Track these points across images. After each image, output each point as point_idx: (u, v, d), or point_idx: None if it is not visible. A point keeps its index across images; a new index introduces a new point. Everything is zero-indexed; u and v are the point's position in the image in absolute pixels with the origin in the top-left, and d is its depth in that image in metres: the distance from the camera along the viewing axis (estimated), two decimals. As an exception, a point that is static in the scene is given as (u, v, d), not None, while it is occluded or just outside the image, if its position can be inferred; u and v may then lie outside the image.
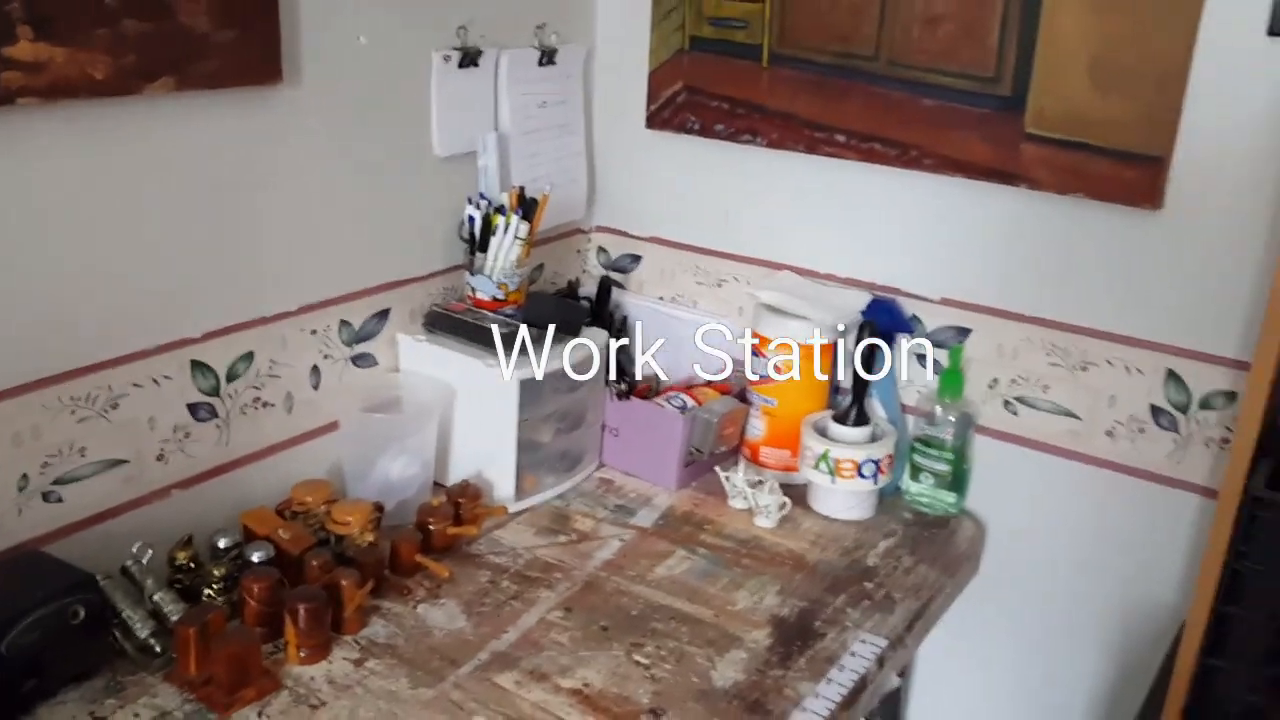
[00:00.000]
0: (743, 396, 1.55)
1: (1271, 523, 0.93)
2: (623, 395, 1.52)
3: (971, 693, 1.55)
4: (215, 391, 1.24)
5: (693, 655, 1.16)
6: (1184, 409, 1.30)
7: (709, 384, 1.58)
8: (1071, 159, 1.28)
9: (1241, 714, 0.99)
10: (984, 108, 1.32)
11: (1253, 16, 1.16)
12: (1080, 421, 1.38)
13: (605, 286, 1.64)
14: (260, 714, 1.03)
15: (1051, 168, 1.29)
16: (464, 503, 1.34)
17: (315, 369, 1.35)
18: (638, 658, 1.15)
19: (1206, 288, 1.25)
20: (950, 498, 1.47)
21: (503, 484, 1.40)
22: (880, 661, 1.18)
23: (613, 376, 1.53)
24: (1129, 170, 1.25)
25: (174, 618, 1.08)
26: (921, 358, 1.49)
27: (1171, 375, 1.30)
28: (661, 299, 1.69)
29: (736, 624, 1.22)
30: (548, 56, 1.56)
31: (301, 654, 1.09)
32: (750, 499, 1.44)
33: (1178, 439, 1.31)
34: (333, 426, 1.38)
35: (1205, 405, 1.29)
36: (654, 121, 1.63)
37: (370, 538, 1.24)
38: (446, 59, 1.41)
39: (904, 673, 1.50)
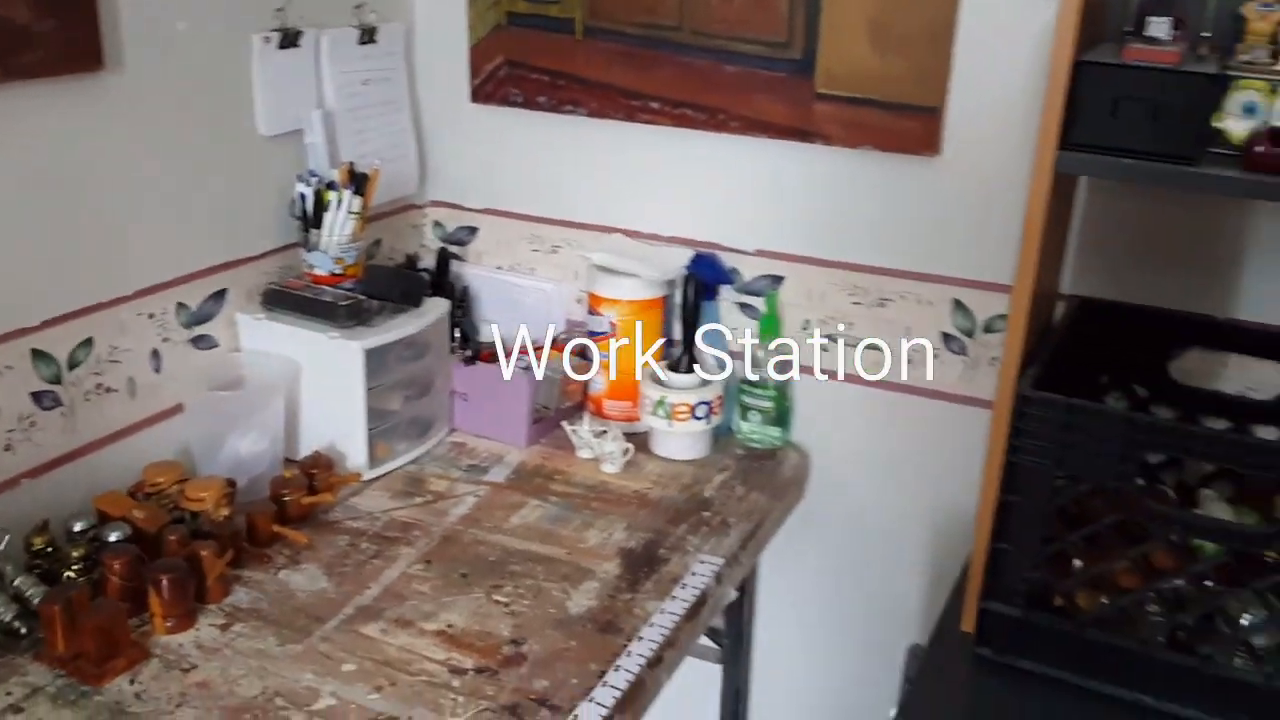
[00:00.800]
0: (583, 354, 1.64)
1: (1036, 418, 1.09)
2: (469, 361, 1.59)
3: (809, 599, 1.68)
4: (58, 379, 1.24)
5: (549, 590, 1.25)
6: (970, 334, 1.46)
7: (554, 345, 1.66)
8: (858, 114, 1.41)
9: (1027, 590, 1.15)
10: (779, 71, 1.44)
11: (1004, -22, 1.31)
12: (883, 353, 1.53)
13: (444, 258, 1.70)
14: (132, 682, 1.06)
15: (841, 124, 1.43)
16: (317, 473, 1.38)
17: (155, 352, 1.37)
18: (497, 598, 1.23)
19: (983, 223, 1.40)
20: (776, 432, 1.60)
21: (355, 453, 1.45)
22: (718, 578, 1.29)
23: (458, 343, 1.60)
24: (909, 122, 1.39)
25: (36, 600, 1.10)
26: (743, 306, 1.61)
27: (958, 304, 1.46)
28: (499, 268, 1.76)
29: (588, 559, 1.31)
30: (368, 35, 1.60)
31: (168, 624, 1.13)
32: (595, 448, 1.53)
33: (967, 361, 1.47)
34: (178, 409, 1.40)
35: (988, 329, 1.45)
36: (478, 95, 1.69)
37: (225, 512, 1.27)
38: (266, 40, 1.44)
39: (745, 588, 1.63)
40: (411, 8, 1.69)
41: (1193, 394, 1.32)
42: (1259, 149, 1.00)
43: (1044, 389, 1.09)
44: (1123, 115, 1.02)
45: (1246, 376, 1.32)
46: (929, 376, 1.51)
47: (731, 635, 1.66)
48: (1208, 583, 1.11)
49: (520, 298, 1.72)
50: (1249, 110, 1.05)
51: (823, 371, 1.58)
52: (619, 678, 1.10)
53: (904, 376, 1.53)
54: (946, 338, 1.48)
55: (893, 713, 1.16)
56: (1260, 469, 1.03)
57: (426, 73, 1.72)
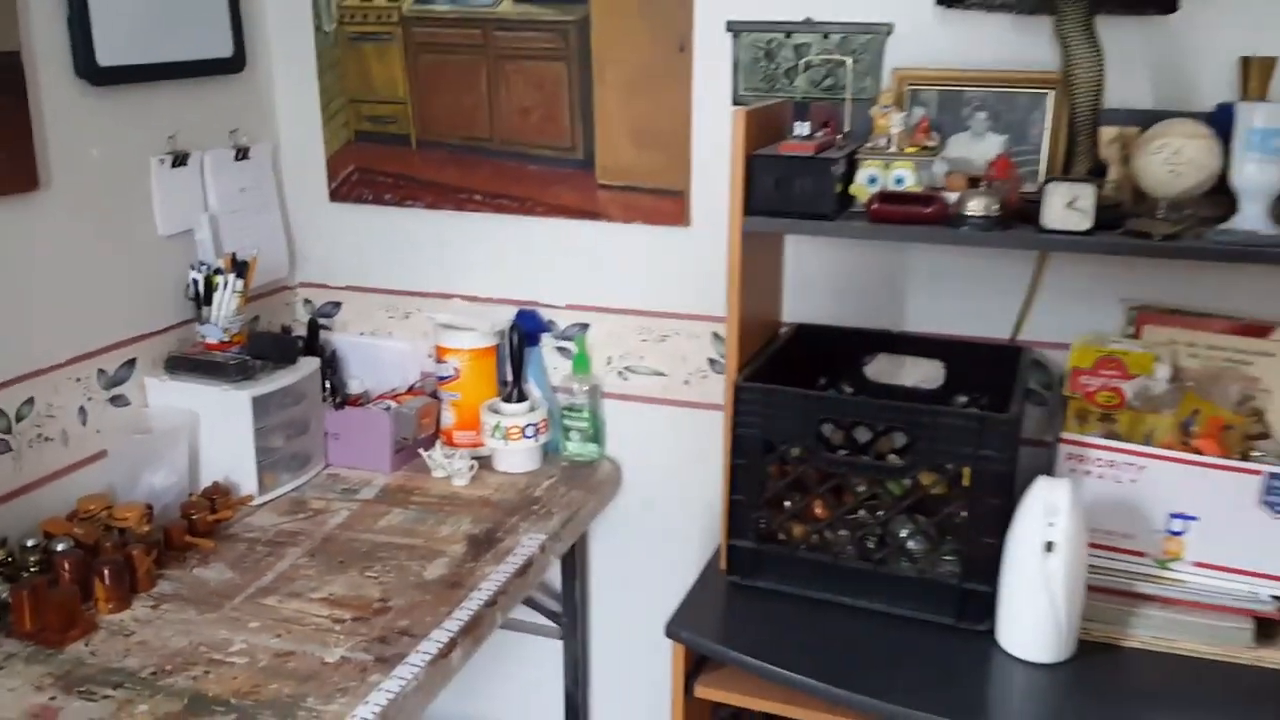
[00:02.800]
0: (434, 395, 2.04)
1: (748, 402, 1.53)
2: (339, 406, 1.97)
3: (631, 576, 2.08)
4: (8, 430, 1.58)
5: (409, 566, 1.62)
6: (715, 364, 1.92)
7: (410, 390, 2.06)
8: (629, 198, 1.88)
9: (757, 529, 1.58)
10: (568, 169, 1.90)
11: (721, 91, 1.80)
12: (667, 378, 1.98)
13: (313, 326, 2.08)
14: (86, 644, 1.40)
15: (618, 205, 1.89)
16: (217, 498, 1.74)
17: (82, 409, 1.71)
18: (369, 574, 1.60)
19: (719, 274, 1.87)
20: (593, 447, 2.02)
21: (247, 482, 1.81)
22: (542, 548, 1.69)
23: (328, 393, 1.98)
24: (666, 202, 1.87)
25: (1, 595, 1.43)
26: (560, 349, 2.04)
27: (715, 336, 1.91)
28: (361, 333, 2.16)
29: (441, 544, 1.69)
30: (242, 153, 2.00)
31: (110, 605, 1.47)
32: (447, 468, 1.93)
33: (725, 378, 1.93)
34: (103, 453, 1.74)
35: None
36: (335, 196, 2.10)
37: (147, 528, 1.61)
38: (162, 161, 1.82)
39: (576, 574, 2.03)
40: (277, 130, 2.10)
41: (883, 388, 1.80)
42: (875, 206, 1.49)
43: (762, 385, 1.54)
44: (781, 189, 1.49)
45: (918, 372, 1.80)
46: (701, 393, 1.96)
47: (568, 614, 2.05)
48: (880, 513, 1.57)
49: (380, 355, 2.11)
50: (872, 180, 1.55)
51: (625, 396, 2.02)
52: (463, 613, 1.49)
53: (683, 394, 1.97)
54: (711, 361, 1.94)
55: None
56: (883, 419, 1.50)
57: (292, 180, 2.12)
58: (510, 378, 1.99)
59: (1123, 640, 1.46)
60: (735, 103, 1.80)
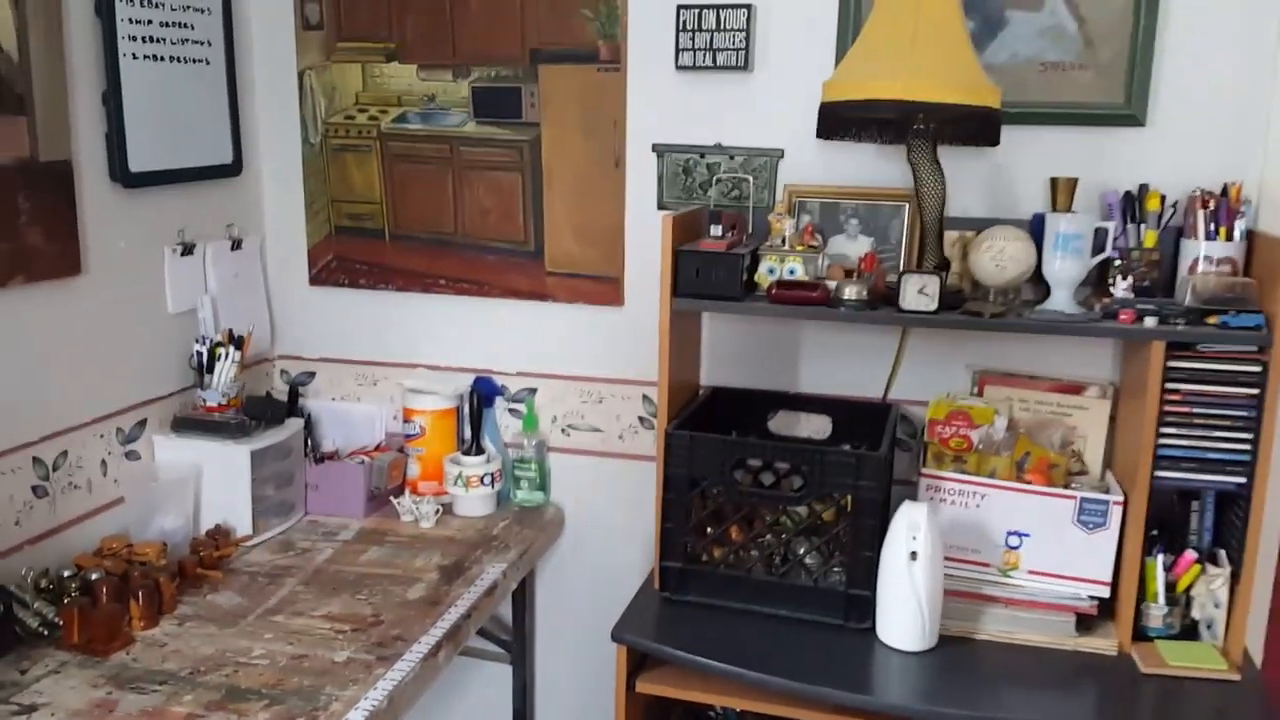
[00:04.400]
0: (401, 450, 2.35)
1: (676, 447, 1.90)
2: (319, 460, 2.27)
3: (575, 606, 2.40)
4: (46, 478, 1.85)
5: (393, 590, 1.93)
6: (654, 416, 2.29)
7: (378, 447, 2.37)
8: (573, 283, 2.26)
9: (685, 552, 1.93)
10: (521, 259, 2.27)
11: (649, 198, 2.20)
12: (604, 433, 2.33)
13: (293, 393, 2.38)
14: (128, 653, 1.67)
15: (564, 289, 2.27)
16: (219, 538, 2.02)
17: (103, 461, 1.99)
18: (359, 597, 1.90)
19: (646, 345, 2.24)
20: (540, 495, 2.36)
21: (243, 525, 2.09)
22: (504, 574, 2.01)
23: (309, 449, 2.28)
24: (604, 286, 2.24)
25: (50, 615, 1.69)
26: (511, 410, 2.38)
27: (645, 398, 2.28)
28: (334, 398, 2.46)
29: (417, 573, 2.00)
30: (236, 244, 2.32)
31: (142, 623, 1.74)
32: (415, 513, 2.24)
33: (654, 433, 2.29)
34: (120, 500, 2.01)
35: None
36: (315, 281, 2.43)
37: (163, 562, 1.89)
38: (174, 250, 2.14)
39: (524, 606, 2.34)
40: (264, 225, 2.42)
41: (783, 438, 2.18)
42: (773, 291, 1.89)
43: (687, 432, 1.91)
44: (701, 276, 1.88)
45: (811, 425, 2.19)
46: (633, 446, 2.31)
47: (518, 641, 2.36)
48: (783, 535, 1.94)
49: (352, 417, 2.42)
50: (771, 271, 1.95)
51: (568, 450, 2.36)
52: (445, 622, 1.80)
53: (618, 448, 2.33)
54: (641, 419, 2.30)
55: (614, 638, 1.89)
56: (784, 459, 1.88)
57: (277, 267, 2.44)
58: (469, 434, 2.32)
59: (974, 633, 1.84)
60: (660, 208, 2.19)
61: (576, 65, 2.16)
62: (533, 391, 2.35)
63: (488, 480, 2.26)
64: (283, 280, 2.45)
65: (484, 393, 2.33)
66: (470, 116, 2.24)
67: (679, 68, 2.08)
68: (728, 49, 2.03)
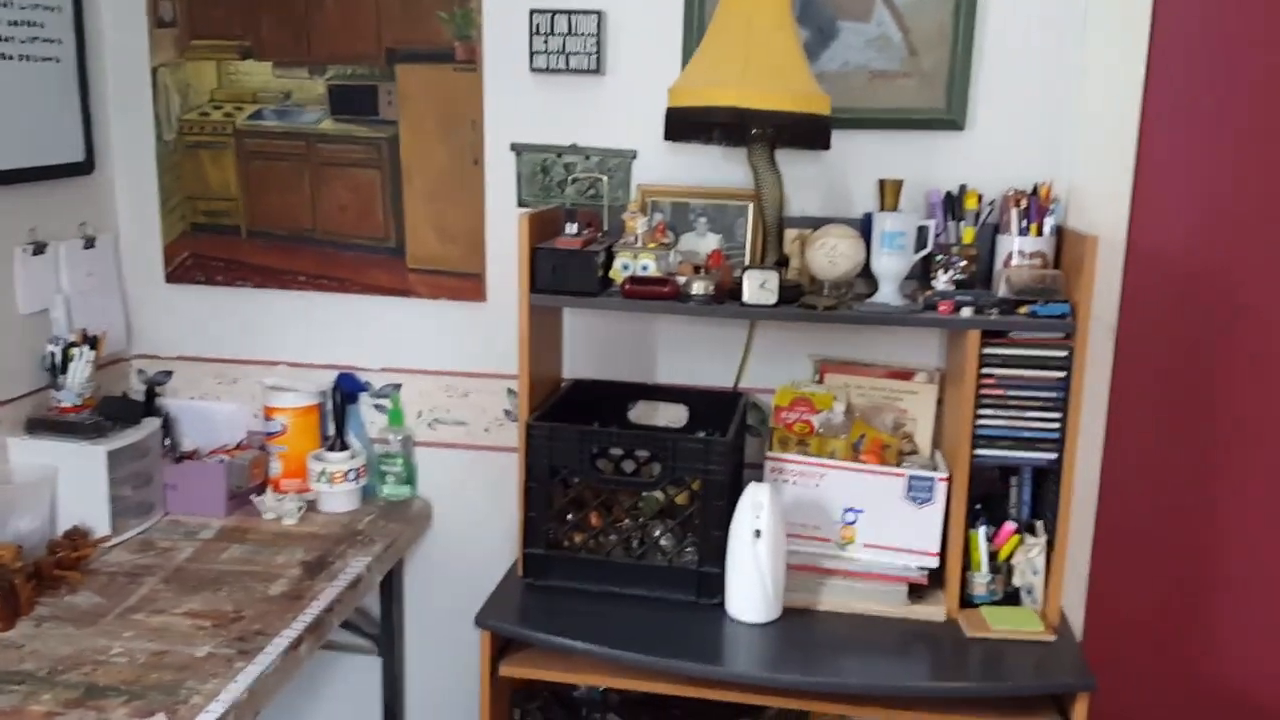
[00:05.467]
0: (263, 449, 2.36)
1: (536, 436, 1.97)
2: (177, 460, 2.27)
3: (445, 596, 2.45)
4: (-110, 483, 1.81)
5: (255, 586, 1.95)
6: (509, 414, 2.35)
7: (239, 446, 2.37)
8: (436, 280, 2.30)
9: (547, 538, 2.01)
10: (383, 255, 2.31)
11: (508, 196, 2.26)
12: (469, 427, 2.39)
13: (150, 392, 2.36)
14: (-19, 657, 1.65)
15: (426, 285, 2.31)
16: (77, 539, 2.00)
17: (-49, 466, 1.95)
18: (220, 593, 1.91)
19: (512, 338, 2.31)
20: (406, 489, 2.40)
21: (101, 525, 2.07)
22: (368, 568, 2.05)
23: (168, 449, 2.27)
24: (466, 282, 2.30)
25: (-103, 622, 1.66)
26: (377, 406, 2.41)
27: (509, 391, 2.35)
28: (192, 398, 2.45)
29: (279, 569, 2.02)
30: (89, 243, 2.29)
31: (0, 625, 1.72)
32: (277, 510, 2.25)
33: (518, 426, 2.36)
34: (-30, 505, 1.97)
35: (528, 404, 2.35)
36: (171, 279, 2.41)
37: (19, 564, 1.87)
38: (24, 251, 2.10)
39: (392, 598, 2.38)
40: (118, 223, 2.39)
41: (642, 427, 2.28)
42: (627, 286, 1.98)
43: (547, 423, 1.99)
44: (558, 273, 1.96)
45: (668, 415, 2.29)
46: (497, 439, 2.38)
47: (386, 634, 2.40)
48: (640, 519, 2.03)
49: (213, 416, 2.41)
50: (625, 267, 2.03)
51: (435, 444, 2.41)
52: (306, 616, 1.83)
53: (484, 440, 2.39)
54: (506, 412, 2.37)
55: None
56: (638, 446, 1.97)
57: (132, 265, 2.42)
58: (333, 431, 2.35)
59: (815, 604, 1.97)
60: (520, 205, 2.26)
61: (433, 65, 2.20)
62: (398, 387, 2.39)
63: (352, 476, 2.29)
64: (138, 279, 2.43)
65: (347, 389, 2.36)
66: (327, 114, 2.26)
67: (534, 69, 2.15)
68: (580, 53, 2.11)
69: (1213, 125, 2.06)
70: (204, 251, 2.39)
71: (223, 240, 2.37)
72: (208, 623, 1.80)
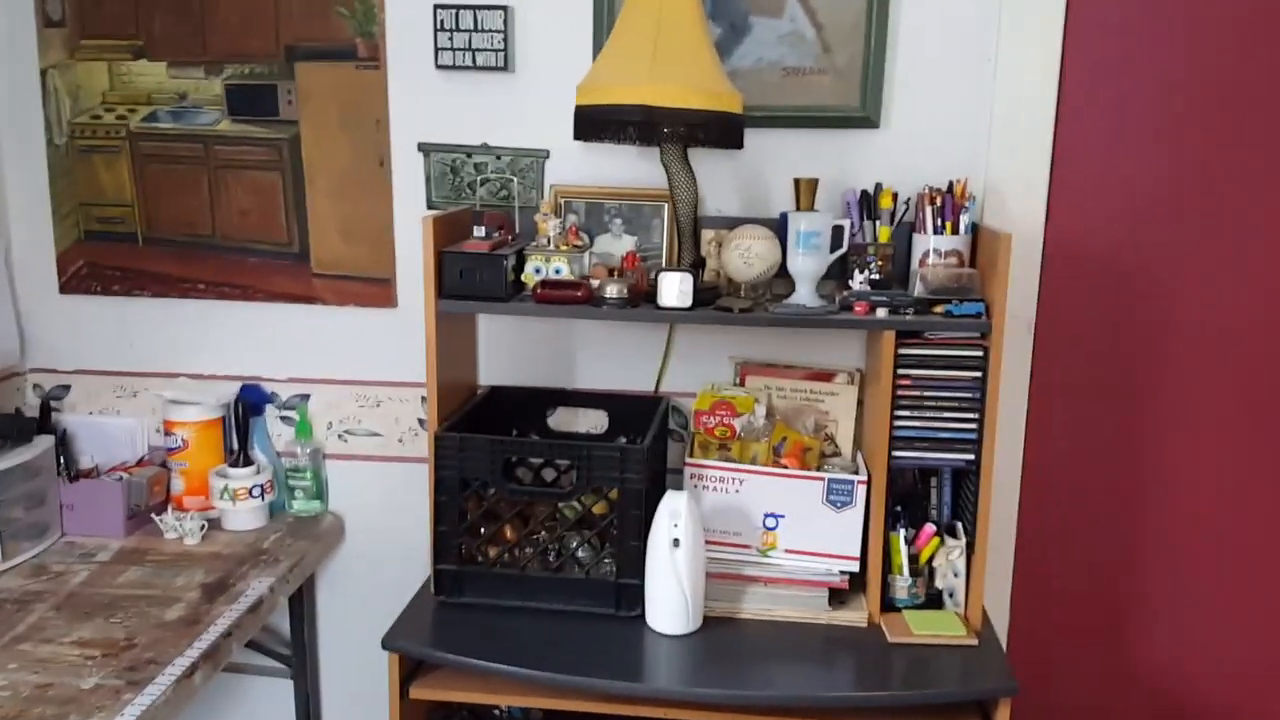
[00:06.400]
0: (164, 465, 2.25)
1: (446, 447, 1.90)
2: (73, 479, 2.15)
3: (358, 613, 2.37)
4: None
5: (150, 611, 1.85)
6: (424, 423, 2.27)
7: (140, 462, 2.26)
8: (342, 285, 2.22)
9: (459, 555, 1.94)
10: (286, 261, 2.21)
11: (417, 198, 2.18)
12: (383, 438, 2.31)
13: (45, 407, 2.25)
14: None
15: (332, 291, 2.22)
16: (-41, 568, 1.89)
17: None
18: (113, 620, 1.82)
19: (421, 346, 2.23)
20: (317, 504, 2.31)
21: (-13, 552, 1.97)
22: (271, 589, 1.96)
23: (63, 468, 2.15)
24: (375, 287, 2.22)
25: None
26: (283, 418, 2.32)
27: (423, 399, 2.27)
28: (91, 412, 2.34)
29: (178, 592, 1.93)
30: (-27, 251, 2.17)
31: None
32: (179, 529, 2.15)
33: (422, 433, 2.28)
34: None
35: (444, 413, 2.27)
36: (65, 289, 2.30)
37: (-110, 597, 1.76)
38: (-104, 260, 1.98)
39: (304, 618, 2.29)
40: (8, 232, 2.27)
41: (562, 435, 2.22)
42: (538, 290, 1.91)
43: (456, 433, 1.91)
44: (466, 277, 1.89)
45: (589, 421, 2.24)
46: (413, 449, 2.30)
47: (298, 654, 2.31)
48: (558, 531, 1.97)
49: (110, 432, 2.30)
50: (537, 270, 1.97)
51: (347, 456, 2.32)
52: (202, 642, 1.74)
53: (398, 451, 2.31)
54: (420, 421, 2.29)
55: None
56: (553, 455, 1.91)
57: (24, 275, 2.30)
58: (236, 445, 2.25)
59: (737, 613, 1.93)
60: (430, 207, 2.18)
61: (334, 63, 2.12)
62: (305, 398, 2.30)
63: (257, 492, 2.19)
64: (31, 289, 2.31)
65: (251, 401, 2.27)
66: (225, 115, 2.17)
67: (439, 67, 2.08)
68: (487, 49, 2.04)
69: (1127, 119, 2.05)
70: (99, 260, 2.28)
71: (119, 248, 2.27)
72: (97, 652, 1.71)
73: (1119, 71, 2.04)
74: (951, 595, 1.94)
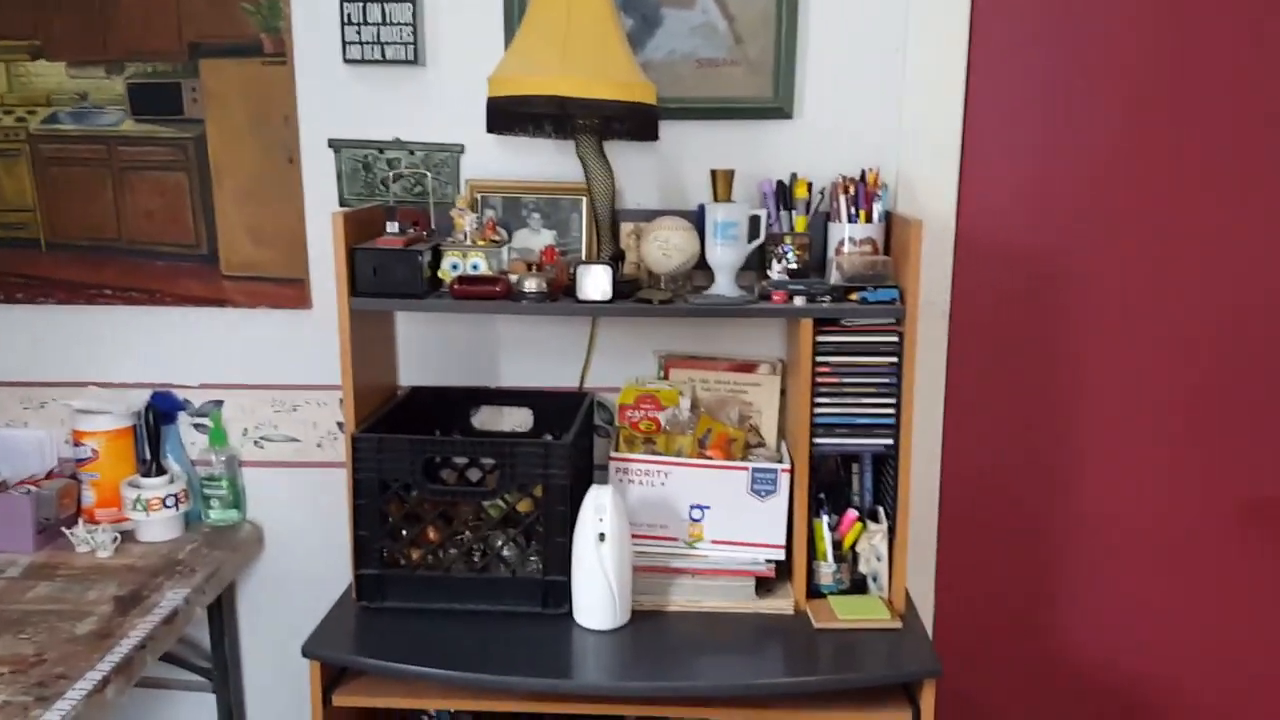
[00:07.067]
0: (74, 477, 2.18)
1: (364, 449, 1.86)
2: (-27, 494, 2.07)
3: (281, 623, 2.32)
4: None
5: (60, 626, 1.79)
6: (342, 426, 2.23)
7: (49, 475, 2.18)
8: (253, 287, 2.17)
9: (380, 560, 1.90)
10: (194, 263, 2.16)
11: (329, 195, 2.14)
12: (301, 443, 2.26)
13: (-57, 423, 2.16)
14: None
15: (243, 293, 2.17)
16: None
17: None
18: (21, 636, 1.75)
19: (331, 353, 2.19)
20: (234, 513, 2.25)
21: (-118, 574, 1.88)
22: (186, 600, 1.91)
23: (-38, 483, 2.07)
24: (288, 289, 2.17)
25: None
26: (197, 425, 2.26)
27: (342, 402, 2.22)
28: (-7, 426, 2.26)
29: (89, 606, 1.86)
30: None
31: None
32: (91, 542, 2.08)
33: (341, 437, 2.24)
34: None
35: (364, 415, 2.23)
36: (-37, 298, 2.21)
37: None
38: None
39: (224, 631, 2.23)
40: (-104, 235, 2.18)
41: (487, 434, 2.19)
42: (455, 287, 1.89)
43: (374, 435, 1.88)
44: (380, 275, 1.86)
45: (514, 419, 2.21)
46: (332, 454, 2.25)
47: (218, 667, 2.25)
48: (483, 531, 1.95)
49: (16, 444, 2.22)
50: (454, 266, 1.94)
51: (263, 463, 2.27)
52: (114, 656, 1.68)
53: (317, 456, 2.26)
54: (340, 425, 2.24)
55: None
56: (475, 453, 1.89)
57: (-86, 283, 2.21)
58: (149, 455, 2.19)
59: (665, 605, 1.92)
60: (342, 204, 2.14)
61: (240, 59, 2.07)
62: (219, 404, 2.24)
63: (171, 502, 2.13)
64: (-77, 299, 2.22)
65: (162, 409, 2.20)
66: (128, 114, 2.11)
67: (348, 61, 2.04)
68: (396, 42, 2.01)
69: (1034, 107, 2.09)
70: (1, 268, 2.19)
71: (20, 254, 2.19)
72: (5, 669, 1.64)
73: (1025, 60, 2.07)
74: (875, 579, 1.96)
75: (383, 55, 2.02)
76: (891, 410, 1.87)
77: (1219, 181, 2.09)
